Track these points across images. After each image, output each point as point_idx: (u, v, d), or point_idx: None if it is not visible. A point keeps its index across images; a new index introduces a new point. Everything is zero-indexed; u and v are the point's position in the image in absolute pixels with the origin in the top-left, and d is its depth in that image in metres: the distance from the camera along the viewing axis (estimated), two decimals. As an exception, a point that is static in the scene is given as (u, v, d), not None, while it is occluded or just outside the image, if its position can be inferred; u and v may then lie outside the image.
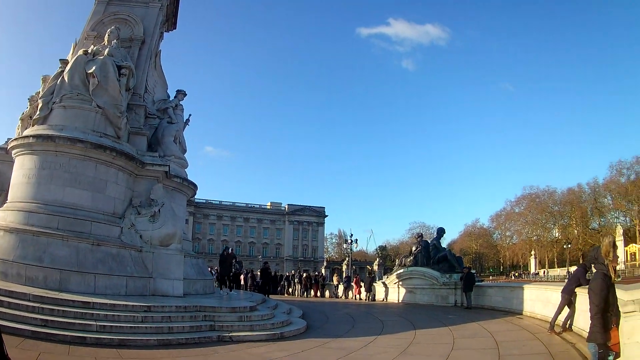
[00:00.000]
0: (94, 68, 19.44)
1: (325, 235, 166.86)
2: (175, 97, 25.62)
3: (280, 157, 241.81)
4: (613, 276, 7.93)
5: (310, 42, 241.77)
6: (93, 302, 14.19)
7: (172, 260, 19.58)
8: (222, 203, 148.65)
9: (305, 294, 44.13)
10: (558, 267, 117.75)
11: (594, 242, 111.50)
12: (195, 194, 26.40)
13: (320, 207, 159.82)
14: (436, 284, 29.80)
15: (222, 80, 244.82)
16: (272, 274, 42.22)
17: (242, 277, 42.73)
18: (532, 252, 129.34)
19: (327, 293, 45.15)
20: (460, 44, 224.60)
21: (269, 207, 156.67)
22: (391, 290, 34.49)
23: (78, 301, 14.08)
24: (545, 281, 61.31)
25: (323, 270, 57.71)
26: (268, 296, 31.54)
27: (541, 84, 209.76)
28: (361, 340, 15.46)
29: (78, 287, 15.81)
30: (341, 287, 43.21)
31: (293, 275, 49.71)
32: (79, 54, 20.12)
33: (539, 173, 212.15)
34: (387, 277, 36.81)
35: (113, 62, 20.08)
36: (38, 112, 19.41)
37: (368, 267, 60.95)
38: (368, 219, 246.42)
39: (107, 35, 21.47)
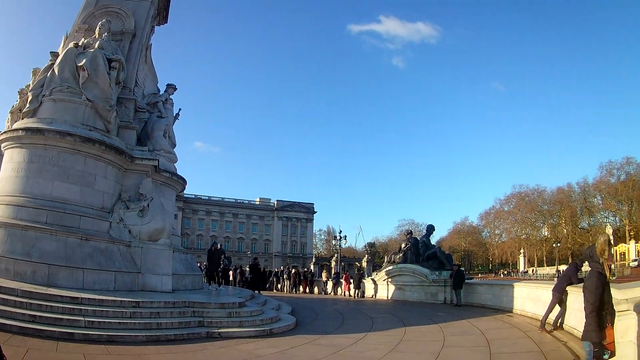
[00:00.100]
0: (84, 61, 19.28)
1: (314, 231, 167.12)
2: (165, 91, 25.37)
3: (269, 153, 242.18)
4: (608, 274, 7.90)
5: (300, 38, 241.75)
6: (81, 298, 14.11)
7: (161, 255, 19.52)
8: (211, 198, 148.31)
9: (294, 290, 44.11)
10: (547, 265, 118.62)
11: (583, 241, 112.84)
12: (184, 188, 26.25)
13: (309, 203, 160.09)
14: (425, 281, 29.79)
15: (212, 76, 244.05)
16: (262, 269, 42.06)
17: (230, 272, 42.64)
18: (521, 251, 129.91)
19: (315, 289, 45.16)
20: (451, 42, 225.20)
21: (257, 202, 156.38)
22: (380, 287, 34.50)
23: (66, 296, 13.99)
24: (535, 279, 61.43)
25: (312, 267, 57.79)
26: (258, 292, 31.45)
27: (531, 84, 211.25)
28: (351, 337, 15.47)
29: (66, 282, 15.70)
30: (330, 284, 43.31)
31: (282, 271, 49.65)
32: (69, 46, 19.94)
33: (529, 172, 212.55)
34: (377, 274, 36.81)
35: (104, 55, 19.93)
36: (28, 105, 19.24)
37: (357, 263, 60.91)
38: (357, 215, 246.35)
39: (98, 28, 21.23)
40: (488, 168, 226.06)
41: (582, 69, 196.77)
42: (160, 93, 25.40)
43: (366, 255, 79.77)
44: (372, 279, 36.49)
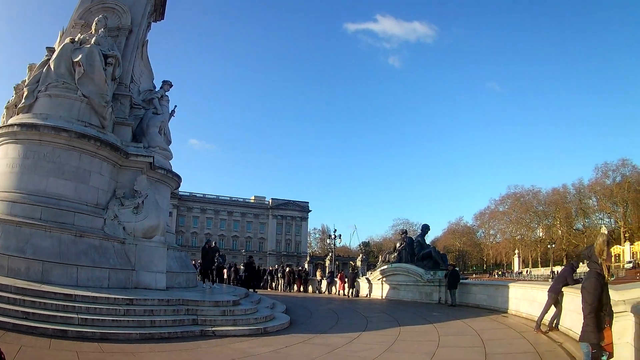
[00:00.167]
0: (80, 56, 19.21)
1: (308, 230, 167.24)
2: (161, 87, 25.35)
3: (264, 151, 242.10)
4: (607, 275, 7.86)
5: (296, 37, 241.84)
6: (75, 295, 14.01)
7: (155, 252, 19.46)
8: (206, 196, 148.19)
9: (288, 288, 44.07)
10: (541, 266, 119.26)
11: (578, 242, 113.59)
12: (179, 186, 26.17)
13: (304, 202, 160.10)
14: (420, 280, 29.75)
15: (207, 73, 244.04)
16: (256, 268, 42.02)
17: (225, 271, 42.59)
18: (516, 251, 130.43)
19: (310, 288, 45.05)
20: (447, 42, 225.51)
21: (252, 200, 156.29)
22: (375, 287, 34.46)
23: (60, 293, 13.90)
24: (529, 280, 61.57)
25: (306, 265, 57.73)
26: (253, 291, 31.41)
27: (527, 84, 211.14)
28: (345, 336, 15.41)
29: (60, 279, 15.61)
30: (324, 283, 43.25)
31: (276, 269, 49.60)
32: (65, 42, 19.85)
33: (524, 173, 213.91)
34: (371, 273, 36.86)
35: (100, 51, 19.87)
36: (23, 101, 19.17)
37: (351, 262, 61.01)
38: (351, 214, 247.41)
39: (94, 23, 21.17)
40: (483, 168, 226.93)
41: (578, 69, 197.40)
42: (156, 90, 25.36)
43: (361, 255, 79.82)
44: (367, 278, 36.45)
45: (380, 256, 43.98)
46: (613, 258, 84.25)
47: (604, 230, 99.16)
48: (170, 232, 24.73)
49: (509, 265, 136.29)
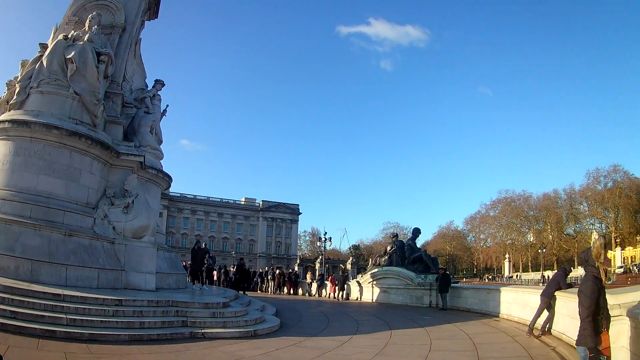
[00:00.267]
0: (73, 53, 19.03)
1: (298, 232, 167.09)
2: (153, 86, 25.21)
3: (255, 153, 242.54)
4: (604, 279, 7.79)
5: (289, 39, 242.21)
6: (64, 295, 13.84)
7: (145, 253, 19.30)
8: (197, 197, 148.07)
9: (278, 291, 44.07)
10: (532, 271, 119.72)
11: (568, 247, 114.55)
12: (170, 186, 26.03)
13: (295, 204, 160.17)
14: (411, 284, 29.76)
15: (199, 74, 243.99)
16: (247, 270, 41.90)
17: (215, 272, 42.46)
18: (507, 256, 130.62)
19: (300, 291, 45.01)
20: (440, 46, 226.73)
21: (243, 202, 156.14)
22: (365, 290, 34.47)
23: (49, 293, 13.72)
24: (520, 285, 61.71)
25: (296, 268, 57.66)
26: (243, 293, 31.32)
27: (519, 89, 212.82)
28: (336, 339, 15.33)
29: (49, 278, 15.41)
30: (315, 285, 43.20)
31: (266, 272, 49.51)
32: (58, 38, 19.68)
33: (515, 177, 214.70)
34: (362, 277, 36.88)
35: (92, 48, 19.70)
36: (15, 97, 18.96)
37: (341, 265, 61.15)
38: (341, 217, 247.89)
39: (88, 21, 20.97)
40: (474, 172, 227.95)
41: (570, 74, 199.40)
42: (148, 89, 25.19)
43: (351, 258, 80.00)
44: (357, 282, 36.50)
45: (370, 259, 44.02)
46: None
47: (595, 236, 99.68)
48: (160, 232, 24.57)
49: (500, 269, 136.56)
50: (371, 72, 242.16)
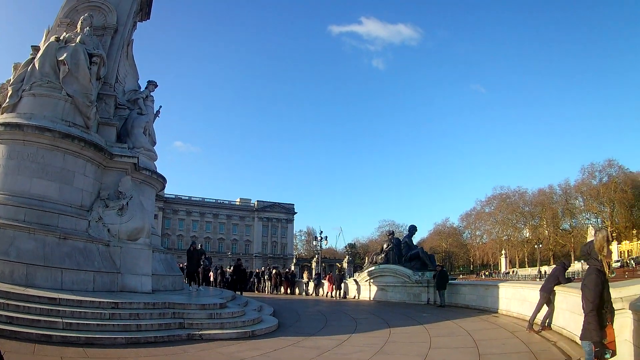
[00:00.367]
0: (65, 55, 18.91)
1: (294, 232, 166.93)
2: (146, 88, 25.13)
3: (249, 153, 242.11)
4: (607, 272, 7.71)
5: (281, 39, 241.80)
6: (59, 299, 13.74)
7: (140, 255, 19.22)
8: (192, 199, 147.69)
9: (275, 291, 44.04)
10: (529, 266, 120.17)
11: (564, 242, 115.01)
12: (164, 187, 25.95)
13: (290, 203, 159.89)
14: (408, 281, 29.73)
15: (192, 75, 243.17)
16: (245, 270, 41.80)
17: (211, 273, 42.35)
18: (503, 252, 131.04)
19: (297, 290, 44.96)
20: (432, 44, 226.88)
21: (238, 203, 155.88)
22: (363, 288, 34.45)
23: (44, 297, 13.61)
24: (517, 280, 61.85)
25: (292, 267, 57.58)
26: (240, 293, 31.22)
27: (512, 85, 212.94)
28: (335, 338, 15.27)
29: (45, 282, 15.30)
30: (311, 285, 43.11)
31: (263, 272, 49.48)
32: (50, 40, 19.54)
33: (510, 174, 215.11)
34: (359, 275, 36.84)
35: (85, 49, 19.60)
36: (7, 100, 18.80)
37: (337, 264, 61.02)
38: (337, 216, 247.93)
39: (80, 22, 20.89)
40: (469, 169, 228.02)
41: (563, 70, 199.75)
42: (141, 90, 25.11)
43: (347, 256, 79.86)
44: (355, 280, 36.46)
45: (366, 257, 43.99)
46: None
47: (591, 231, 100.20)
48: (155, 234, 24.49)
49: (496, 265, 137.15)
50: (363, 71, 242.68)
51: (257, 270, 53.95)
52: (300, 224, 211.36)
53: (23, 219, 16.56)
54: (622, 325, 8.18)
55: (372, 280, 33.21)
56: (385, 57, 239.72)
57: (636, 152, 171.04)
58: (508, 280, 50.20)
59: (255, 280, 48.00)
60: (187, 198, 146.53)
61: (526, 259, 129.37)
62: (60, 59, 18.93)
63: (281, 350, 13.32)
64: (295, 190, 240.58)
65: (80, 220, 18.49)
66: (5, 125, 17.65)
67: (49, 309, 13.04)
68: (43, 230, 16.44)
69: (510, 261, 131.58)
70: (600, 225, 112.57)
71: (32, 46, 20.69)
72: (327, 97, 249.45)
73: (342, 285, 36.57)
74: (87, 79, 19.40)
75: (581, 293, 7.84)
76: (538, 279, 64.34)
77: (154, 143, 24.53)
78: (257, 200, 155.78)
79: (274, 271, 47.08)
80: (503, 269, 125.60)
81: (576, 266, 78.24)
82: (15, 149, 17.68)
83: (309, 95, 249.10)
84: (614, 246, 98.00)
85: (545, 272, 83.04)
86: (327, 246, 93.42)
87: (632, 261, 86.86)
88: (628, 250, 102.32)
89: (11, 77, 19.95)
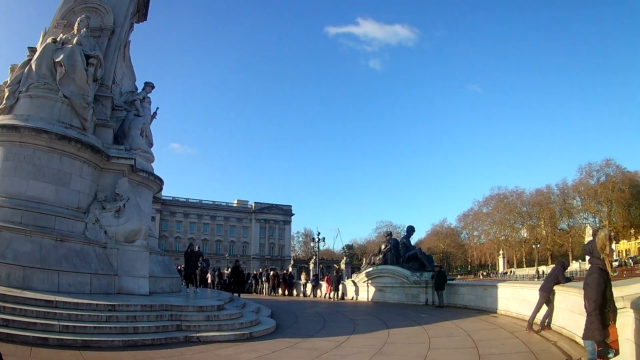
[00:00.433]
0: (61, 56, 18.85)
1: (292, 233, 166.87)
2: (143, 89, 25.10)
3: (246, 155, 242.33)
4: (609, 271, 7.65)
5: (278, 40, 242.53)
6: (56, 301, 13.66)
7: (138, 257, 19.16)
8: (189, 201, 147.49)
9: (273, 292, 44.02)
10: (526, 266, 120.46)
11: (562, 242, 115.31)
12: (161, 189, 25.91)
13: (287, 205, 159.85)
14: (406, 282, 29.70)
15: (189, 77, 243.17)
16: (243, 272, 41.77)
17: (209, 275, 42.30)
18: (501, 252, 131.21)
19: (295, 292, 44.95)
20: (429, 45, 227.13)
21: (235, 204, 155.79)
22: (361, 289, 34.42)
23: (41, 300, 13.53)
24: (515, 280, 61.91)
25: (290, 269, 57.55)
26: (239, 295, 31.21)
27: (509, 86, 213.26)
28: (333, 340, 15.19)
29: (42, 284, 15.22)
30: (309, 286, 43.10)
31: (260, 273, 49.47)
32: (47, 42, 19.48)
33: (507, 174, 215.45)
34: (357, 276, 36.79)
35: (81, 51, 19.53)
36: (4, 102, 18.73)
37: (335, 265, 60.97)
38: (334, 218, 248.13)
39: (77, 23, 20.88)
40: (466, 170, 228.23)
41: (561, 70, 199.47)
42: (138, 91, 25.08)
43: (344, 257, 79.86)
44: (353, 281, 36.40)
45: (364, 259, 44.00)
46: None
47: (589, 230, 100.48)
48: (153, 236, 24.43)
49: (494, 266, 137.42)
50: (360, 72, 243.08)
51: (254, 272, 53.95)
52: (297, 226, 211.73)
53: (20, 221, 16.46)
54: (623, 324, 8.14)
55: (370, 281, 33.18)
56: (382, 58, 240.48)
57: (634, 151, 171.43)
58: (506, 280, 50.18)
59: (253, 282, 48.01)
60: (184, 200, 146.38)
61: (524, 259, 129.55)
62: (57, 60, 18.87)
63: (279, 352, 13.24)
64: (292, 191, 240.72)
65: (77, 222, 18.40)
66: (2, 127, 17.57)
67: (45, 311, 12.97)
68: (40, 233, 16.37)
69: (508, 261, 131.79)
70: (598, 225, 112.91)
71: (29, 48, 20.68)
72: (324, 98, 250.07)
73: (340, 286, 36.51)
74: (84, 81, 19.34)
75: (583, 292, 7.79)
76: (536, 279, 64.42)
77: (151, 145, 24.49)
78: (255, 202, 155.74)
79: (271, 273, 47.03)
80: (501, 269, 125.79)
81: (574, 266, 78.30)
82: (12, 150, 17.62)
83: (306, 96, 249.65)
84: (612, 246, 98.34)
85: (543, 272, 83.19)
86: (325, 247, 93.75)
87: (630, 260, 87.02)
88: (626, 250, 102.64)
89: (8, 79, 19.89)
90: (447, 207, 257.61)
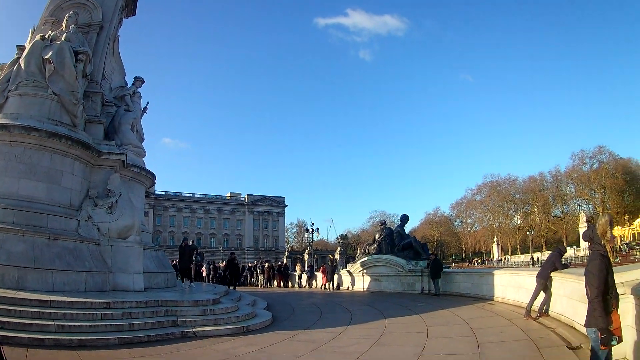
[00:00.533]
0: (50, 53, 18.71)
1: (285, 225, 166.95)
2: (132, 84, 24.96)
3: (238, 148, 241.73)
4: (611, 256, 7.59)
5: (267, 32, 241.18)
6: (51, 301, 13.58)
7: (131, 253, 19.08)
8: (182, 195, 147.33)
9: (268, 284, 44.00)
10: (521, 253, 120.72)
11: (556, 228, 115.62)
12: (153, 184, 25.83)
13: (280, 197, 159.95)
14: (402, 271, 29.75)
15: (179, 71, 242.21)
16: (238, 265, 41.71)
17: (204, 269, 42.25)
18: (495, 239, 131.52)
19: (290, 283, 44.94)
20: (418, 35, 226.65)
21: (228, 197, 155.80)
22: (356, 279, 34.48)
23: (35, 300, 13.47)
24: (511, 267, 62.08)
25: (285, 260, 57.50)
26: (234, 288, 31.17)
27: (500, 74, 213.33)
28: (330, 331, 15.21)
29: (36, 284, 15.14)
30: (305, 277, 43.13)
31: (255, 265, 49.42)
32: (36, 39, 19.37)
33: (500, 161, 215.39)
34: (352, 266, 36.83)
35: (70, 47, 19.40)
36: (-6, 101, 18.60)
37: (330, 256, 60.94)
38: (328, 208, 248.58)
39: (65, 20, 20.69)
40: (459, 158, 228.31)
41: (552, 57, 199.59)
42: (128, 86, 24.95)
43: (339, 248, 79.90)
44: (348, 271, 36.51)
45: (359, 248, 43.99)
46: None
47: (583, 217, 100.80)
48: (146, 231, 24.39)
49: (488, 253, 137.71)
50: (350, 62, 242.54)
51: (249, 264, 53.88)
52: (291, 217, 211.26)
53: (12, 220, 16.36)
54: (624, 310, 8.10)
55: (365, 271, 33.23)
56: (372, 49, 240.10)
57: (626, 138, 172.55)
58: (502, 267, 50.31)
59: (248, 274, 47.97)
60: (177, 194, 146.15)
61: (518, 246, 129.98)
62: (45, 57, 18.75)
63: (277, 345, 13.24)
64: (285, 183, 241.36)
65: (70, 220, 18.33)
66: (-8, 126, 17.45)
67: (40, 311, 12.91)
68: (32, 232, 16.28)
69: (502, 248, 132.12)
70: (592, 212, 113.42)
71: (17, 46, 20.55)
72: (314, 89, 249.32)
73: (336, 276, 36.58)
74: (73, 77, 19.20)
75: (585, 279, 7.72)
76: (531, 266, 64.55)
77: (142, 139, 24.42)
78: (248, 194, 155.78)
79: (266, 265, 47.01)
80: (495, 257, 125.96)
81: (569, 252, 78.56)
82: (2, 150, 17.47)
83: (296, 87, 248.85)
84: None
85: (537, 259, 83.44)
86: (319, 238, 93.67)
87: (625, 246, 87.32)
88: (620, 236, 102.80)
89: (-3, 78, 19.76)
90: (440, 195, 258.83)
